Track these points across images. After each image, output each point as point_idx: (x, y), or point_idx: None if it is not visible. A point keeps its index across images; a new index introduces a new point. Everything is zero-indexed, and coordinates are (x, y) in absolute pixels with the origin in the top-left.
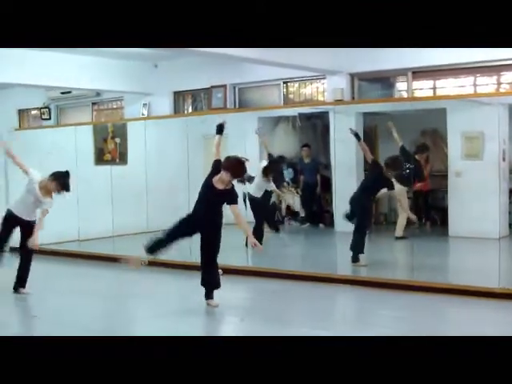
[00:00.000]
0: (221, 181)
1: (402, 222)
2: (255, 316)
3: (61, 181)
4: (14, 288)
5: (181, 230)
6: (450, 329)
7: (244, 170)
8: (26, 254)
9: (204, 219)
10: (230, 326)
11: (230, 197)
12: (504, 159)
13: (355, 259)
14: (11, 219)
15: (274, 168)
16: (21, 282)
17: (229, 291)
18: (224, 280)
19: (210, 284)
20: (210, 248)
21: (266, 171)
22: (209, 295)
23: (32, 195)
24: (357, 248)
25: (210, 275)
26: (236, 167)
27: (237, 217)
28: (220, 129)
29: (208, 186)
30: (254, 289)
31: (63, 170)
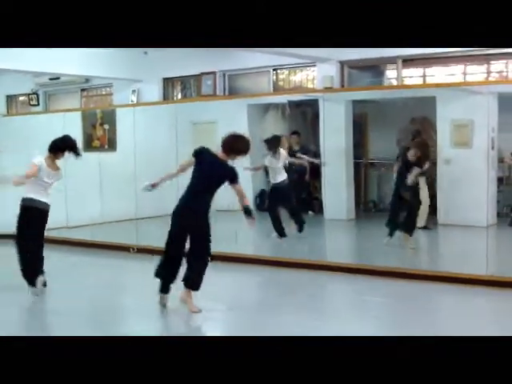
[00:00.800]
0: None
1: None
2: (243, 303)
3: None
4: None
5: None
6: (435, 316)
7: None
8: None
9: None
10: (218, 314)
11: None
12: (493, 148)
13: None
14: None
15: (275, 142)
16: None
17: (218, 279)
18: (212, 267)
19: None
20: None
21: (269, 145)
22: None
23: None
24: (407, 226)
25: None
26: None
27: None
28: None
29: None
30: (242, 276)
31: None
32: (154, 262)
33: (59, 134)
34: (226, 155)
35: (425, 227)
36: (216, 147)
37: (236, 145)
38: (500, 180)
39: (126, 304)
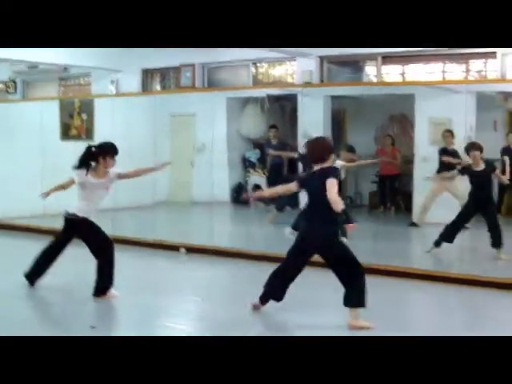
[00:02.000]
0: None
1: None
2: (216, 295)
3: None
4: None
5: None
6: (402, 311)
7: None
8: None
9: None
10: (191, 305)
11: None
12: None
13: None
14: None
15: None
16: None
17: (191, 270)
18: (188, 258)
19: None
20: None
21: None
22: None
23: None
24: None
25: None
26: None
27: None
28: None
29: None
30: (218, 268)
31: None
32: (128, 253)
33: (36, 122)
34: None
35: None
36: (193, 140)
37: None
38: None
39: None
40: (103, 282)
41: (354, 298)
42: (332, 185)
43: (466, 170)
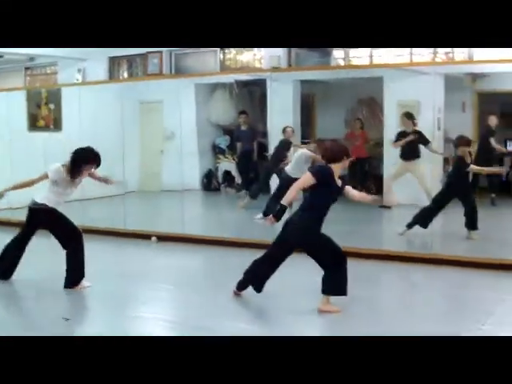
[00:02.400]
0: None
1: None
2: (189, 283)
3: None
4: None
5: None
6: (378, 292)
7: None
8: None
9: None
10: (163, 293)
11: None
12: (439, 128)
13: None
14: None
15: None
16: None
17: (165, 259)
18: (160, 247)
19: None
20: None
21: None
22: None
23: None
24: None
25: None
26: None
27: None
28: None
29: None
30: (190, 256)
31: None
32: (100, 243)
33: (3, 114)
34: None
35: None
36: (162, 127)
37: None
38: (446, 160)
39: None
40: (74, 274)
41: (336, 286)
42: (302, 178)
43: (464, 164)
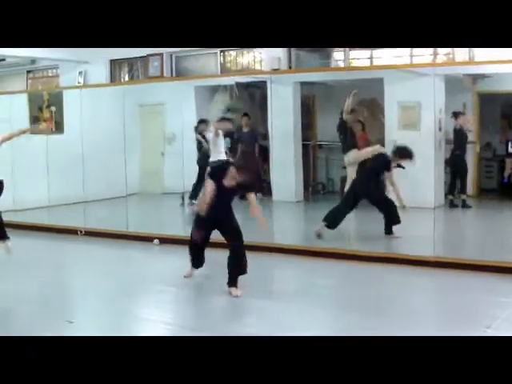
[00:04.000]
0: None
1: None
2: (191, 284)
3: None
4: None
5: None
6: (381, 295)
7: None
8: None
9: None
10: (165, 295)
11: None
12: (440, 129)
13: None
14: None
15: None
16: None
17: (167, 261)
18: (160, 250)
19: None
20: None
21: None
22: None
23: None
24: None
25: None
26: None
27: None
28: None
29: None
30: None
31: None
32: (101, 244)
33: (6, 116)
34: None
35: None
36: (163, 129)
37: None
38: (447, 162)
39: (77, 287)
40: None
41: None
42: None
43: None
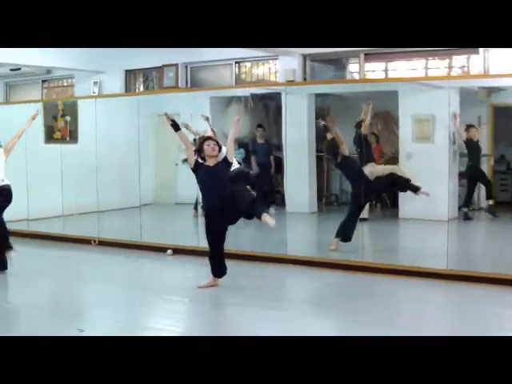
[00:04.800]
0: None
1: None
2: (202, 295)
3: None
4: None
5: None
6: (393, 307)
7: None
8: None
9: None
10: (178, 306)
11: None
12: (454, 142)
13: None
14: None
15: None
16: None
17: (180, 271)
18: (175, 261)
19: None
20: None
21: None
22: None
23: None
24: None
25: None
26: None
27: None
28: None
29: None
30: (203, 269)
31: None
32: (114, 254)
33: (21, 126)
34: None
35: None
36: (177, 140)
37: None
38: (461, 174)
39: (90, 296)
40: None
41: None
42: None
43: None
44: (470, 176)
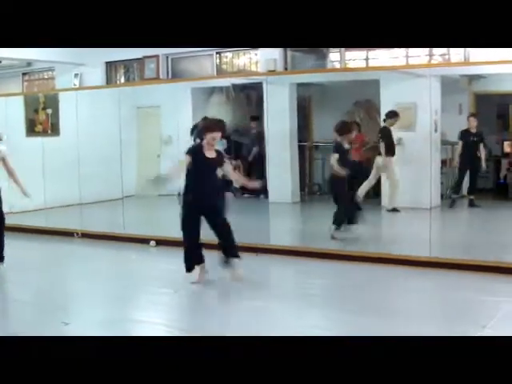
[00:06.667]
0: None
1: (393, 192)
2: (186, 286)
3: None
4: None
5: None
6: (377, 296)
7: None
8: None
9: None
10: (163, 298)
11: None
12: (436, 130)
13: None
14: None
15: None
16: None
17: (164, 263)
18: (159, 252)
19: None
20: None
21: None
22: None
23: None
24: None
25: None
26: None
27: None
28: None
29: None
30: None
31: None
32: (97, 246)
33: (1, 119)
34: None
35: (394, 210)
36: (159, 132)
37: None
38: (443, 162)
39: (73, 289)
40: None
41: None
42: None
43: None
44: (463, 165)
